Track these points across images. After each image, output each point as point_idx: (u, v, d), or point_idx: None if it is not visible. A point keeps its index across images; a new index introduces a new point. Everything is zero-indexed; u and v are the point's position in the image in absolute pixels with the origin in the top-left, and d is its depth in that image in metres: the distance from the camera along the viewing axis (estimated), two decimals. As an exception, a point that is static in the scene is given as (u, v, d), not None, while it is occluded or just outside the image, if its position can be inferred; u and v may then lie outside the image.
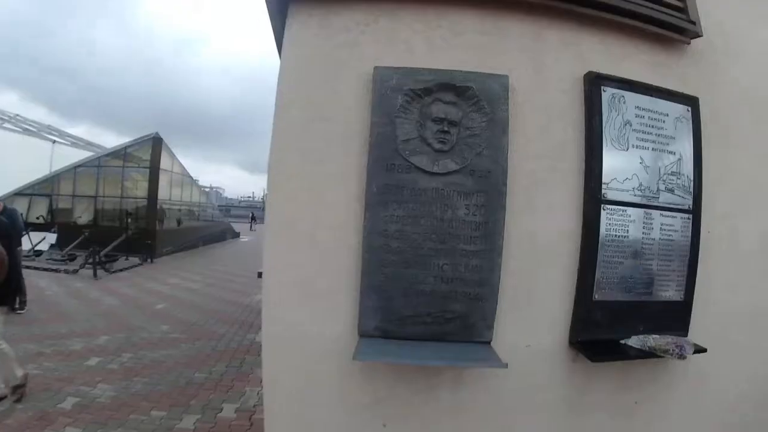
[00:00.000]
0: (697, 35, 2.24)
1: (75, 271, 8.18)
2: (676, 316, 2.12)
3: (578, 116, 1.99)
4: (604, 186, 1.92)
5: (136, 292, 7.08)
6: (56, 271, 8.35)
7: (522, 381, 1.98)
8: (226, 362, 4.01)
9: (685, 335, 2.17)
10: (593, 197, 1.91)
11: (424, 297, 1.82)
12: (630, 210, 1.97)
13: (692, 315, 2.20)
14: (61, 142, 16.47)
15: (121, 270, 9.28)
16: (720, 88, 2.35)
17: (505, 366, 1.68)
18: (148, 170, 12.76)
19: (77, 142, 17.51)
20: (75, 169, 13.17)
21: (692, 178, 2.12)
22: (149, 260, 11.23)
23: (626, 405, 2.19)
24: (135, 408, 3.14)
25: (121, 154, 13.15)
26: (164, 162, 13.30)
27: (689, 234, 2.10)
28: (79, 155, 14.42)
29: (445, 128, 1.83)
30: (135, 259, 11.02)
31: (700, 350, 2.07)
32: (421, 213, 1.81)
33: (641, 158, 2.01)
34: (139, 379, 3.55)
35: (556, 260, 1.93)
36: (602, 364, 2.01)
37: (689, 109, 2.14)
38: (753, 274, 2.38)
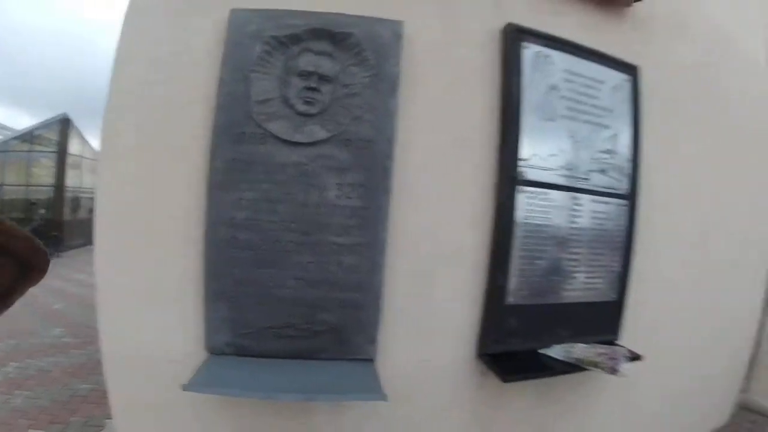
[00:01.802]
0: (640, -3, 1.54)
1: (-29, 272, 6.44)
2: (606, 319, 1.51)
3: (494, 78, 1.33)
4: (521, 163, 1.26)
5: (36, 290, 5.86)
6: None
7: (419, 403, 1.33)
8: (114, 371, 3.19)
9: (616, 339, 1.52)
10: (508, 177, 1.25)
11: (285, 305, 1.17)
12: (554, 193, 1.32)
13: (625, 315, 1.54)
14: (-30, 128, 11.93)
15: (23, 266, 7.42)
16: (663, 62, 1.72)
17: (384, 398, 1.01)
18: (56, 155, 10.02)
19: (-11, 127, 12.63)
20: (-22, 157, 9.92)
21: (630, 159, 1.46)
22: (56, 254, 8.83)
23: (549, 418, 1.54)
24: (12, 426, 2.42)
25: (27, 137, 10.11)
26: (74, 146, 10.42)
27: (624, 223, 1.46)
28: (-11, 141, 10.92)
29: (314, 85, 1.15)
30: None
31: (635, 358, 1.42)
32: (278, 195, 1.15)
33: (570, 132, 1.35)
34: (20, 392, 2.80)
35: (460, 256, 1.30)
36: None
37: (629, 78, 1.49)
38: (693, 270, 1.74)
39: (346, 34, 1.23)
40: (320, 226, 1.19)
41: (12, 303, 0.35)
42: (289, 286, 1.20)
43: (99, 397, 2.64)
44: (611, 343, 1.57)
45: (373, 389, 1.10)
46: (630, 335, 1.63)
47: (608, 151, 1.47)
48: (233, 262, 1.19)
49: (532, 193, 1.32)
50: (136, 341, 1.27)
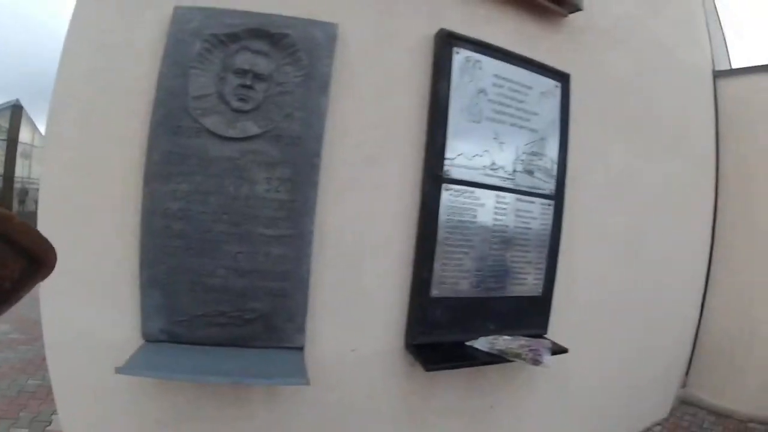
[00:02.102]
0: (577, 9, 1.67)
1: None
2: (534, 313, 1.62)
3: (424, 80, 1.44)
4: (447, 162, 1.36)
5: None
6: None
7: (350, 390, 1.42)
8: (62, 368, 3.16)
9: (545, 333, 1.64)
10: (433, 175, 1.35)
11: (216, 293, 1.25)
12: (479, 191, 1.42)
13: (553, 311, 1.66)
14: None
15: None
16: (596, 71, 1.84)
17: (306, 383, 1.10)
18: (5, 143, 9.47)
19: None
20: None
21: (556, 161, 1.58)
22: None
23: (481, 409, 1.65)
24: (-39, 422, 2.43)
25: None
26: (25, 135, 9.94)
27: (550, 222, 1.57)
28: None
29: (249, 82, 1.23)
30: None
31: (560, 351, 1.54)
32: (210, 188, 1.22)
33: (496, 133, 1.45)
34: None
35: (386, 250, 1.39)
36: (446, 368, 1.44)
37: (558, 85, 1.60)
38: (619, 267, 1.89)
39: (282, 35, 1.30)
40: (250, 218, 1.26)
41: (20, 298, 0.35)
42: (220, 275, 1.27)
43: (47, 393, 2.65)
44: (538, 336, 1.68)
45: (296, 374, 1.18)
46: (561, 329, 1.75)
47: (535, 153, 1.59)
48: (167, 251, 1.26)
49: (456, 190, 1.42)
50: (77, 329, 1.32)
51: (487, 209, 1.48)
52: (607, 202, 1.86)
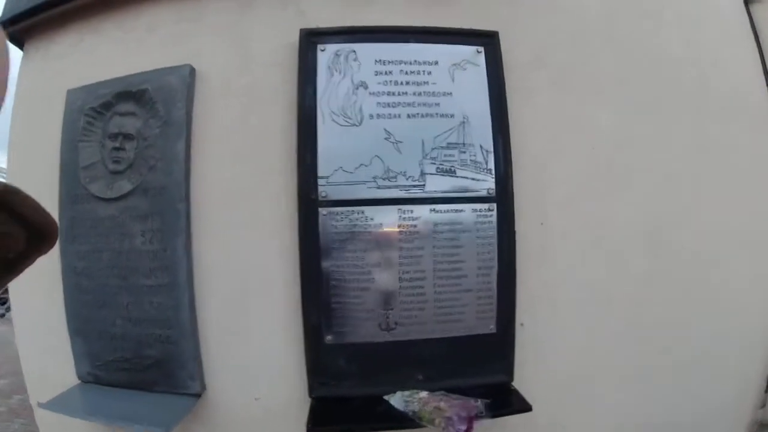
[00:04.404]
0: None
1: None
2: (486, 356, 1.32)
3: (292, 93, 1.30)
4: (321, 181, 1.24)
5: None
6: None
7: None
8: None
9: (510, 381, 1.31)
10: (307, 199, 1.23)
11: (118, 340, 1.47)
12: (370, 209, 1.23)
13: (525, 351, 1.32)
14: None
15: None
16: (554, 17, 1.41)
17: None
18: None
19: None
20: None
21: (492, 149, 1.26)
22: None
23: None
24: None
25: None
26: None
27: (494, 233, 1.25)
28: None
29: (118, 144, 1.41)
30: None
31: (519, 410, 1.21)
32: (102, 246, 1.44)
33: (387, 132, 1.26)
34: (19, 420, 3.48)
35: (271, 291, 1.33)
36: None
37: (481, 50, 1.28)
38: (637, 277, 1.37)
39: (142, 91, 1.42)
40: (133, 270, 1.39)
41: (22, 270, 0.37)
42: (119, 325, 1.43)
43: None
44: (502, 386, 1.32)
45: (160, 423, 1.24)
46: (544, 374, 1.35)
47: (453, 145, 1.28)
48: (80, 304, 1.49)
49: (338, 214, 1.25)
50: (40, 368, 1.67)
51: (387, 230, 1.26)
52: (599, 189, 1.36)
